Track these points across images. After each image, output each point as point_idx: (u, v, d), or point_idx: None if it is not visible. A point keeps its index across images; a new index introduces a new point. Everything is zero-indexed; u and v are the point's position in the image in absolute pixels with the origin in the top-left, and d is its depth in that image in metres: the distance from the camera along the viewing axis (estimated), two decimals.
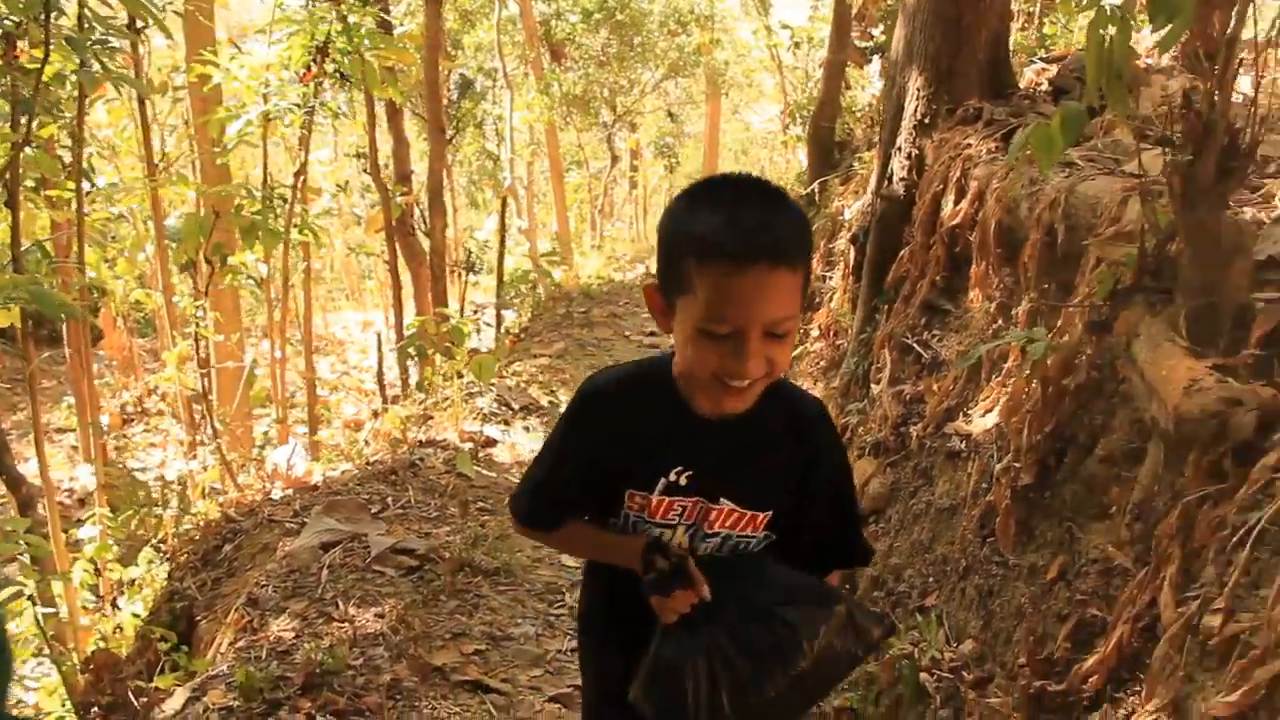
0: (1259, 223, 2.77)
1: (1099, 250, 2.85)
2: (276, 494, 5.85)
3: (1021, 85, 5.37)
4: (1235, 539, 2.07)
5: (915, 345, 4.25)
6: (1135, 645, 2.27)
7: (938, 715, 2.90)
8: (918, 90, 4.95)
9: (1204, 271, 2.32)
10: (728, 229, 1.54)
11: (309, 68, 7.53)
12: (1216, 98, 2.30)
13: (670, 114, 23.74)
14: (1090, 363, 2.72)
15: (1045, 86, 5.29)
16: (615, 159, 22.53)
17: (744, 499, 1.82)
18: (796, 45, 14.22)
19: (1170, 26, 2.44)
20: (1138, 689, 2.24)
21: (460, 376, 7.17)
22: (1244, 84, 6.31)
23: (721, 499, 1.81)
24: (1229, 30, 2.36)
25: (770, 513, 1.85)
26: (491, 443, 6.43)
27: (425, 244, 10.98)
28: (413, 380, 9.01)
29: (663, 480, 1.80)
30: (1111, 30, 2.64)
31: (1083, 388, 2.76)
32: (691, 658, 1.76)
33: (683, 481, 1.80)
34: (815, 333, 6.18)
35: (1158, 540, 2.26)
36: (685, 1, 19.81)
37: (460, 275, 13.82)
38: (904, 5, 5.40)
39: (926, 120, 4.88)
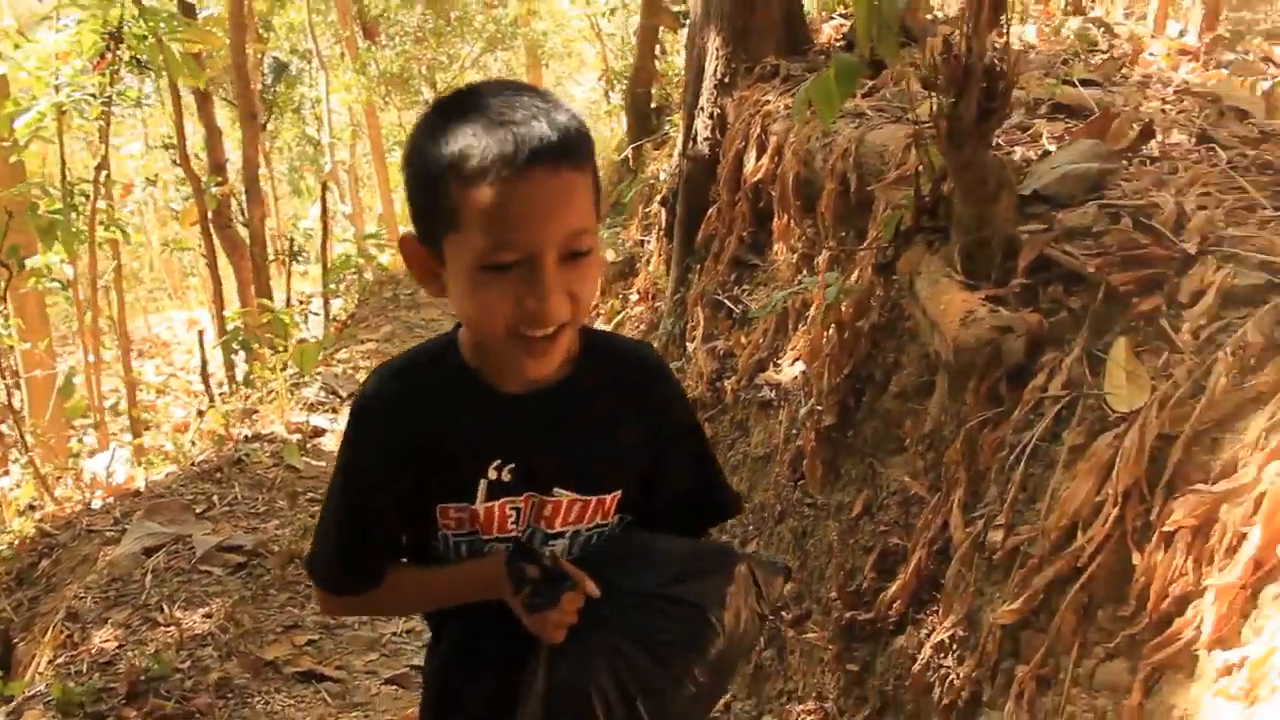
0: (1028, 160, 2.92)
1: (884, 195, 2.97)
2: (96, 504, 5.65)
3: (821, 41, 5.51)
4: (1012, 457, 2.19)
5: (726, 301, 4.35)
6: (932, 568, 2.40)
7: (763, 656, 3.01)
8: (716, 50, 5.04)
9: (974, 208, 2.44)
10: (494, 131, 1.25)
11: (103, 55, 7.22)
12: (974, 44, 2.40)
13: None
14: (881, 304, 2.84)
15: (841, 41, 5.44)
16: None
17: (584, 483, 1.50)
18: (612, 12, 14.27)
19: None
20: (936, 608, 2.36)
21: (286, 368, 7.04)
22: (1029, 32, 6.62)
23: (556, 489, 1.49)
24: None
25: (619, 492, 1.54)
26: (319, 432, 6.34)
27: (246, 235, 10.69)
28: (241, 376, 8.81)
29: (483, 482, 1.46)
30: None
31: (876, 328, 2.88)
32: (595, 674, 1.45)
33: (506, 477, 1.46)
34: (635, 297, 6.27)
35: (946, 466, 2.38)
36: None
37: (285, 265, 13.49)
38: None
39: (726, 80, 4.98)
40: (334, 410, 6.91)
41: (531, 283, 1.28)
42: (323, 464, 5.81)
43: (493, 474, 1.46)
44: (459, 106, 1.32)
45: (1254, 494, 1.86)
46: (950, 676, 2.27)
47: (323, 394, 7.15)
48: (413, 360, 1.53)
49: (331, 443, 6.24)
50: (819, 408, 3.00)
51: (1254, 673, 1.78)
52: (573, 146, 1.30)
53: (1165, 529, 1.95)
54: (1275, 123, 3.33)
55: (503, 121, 1.26)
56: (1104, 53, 5.56)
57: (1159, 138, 2.98)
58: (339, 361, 8.24)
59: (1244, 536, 1.86)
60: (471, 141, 1.26)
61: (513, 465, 1.46)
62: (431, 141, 1.30)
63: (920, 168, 2.67)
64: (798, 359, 3.49)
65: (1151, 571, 1.96)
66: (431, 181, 1.30)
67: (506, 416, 1.47)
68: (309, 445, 6.11)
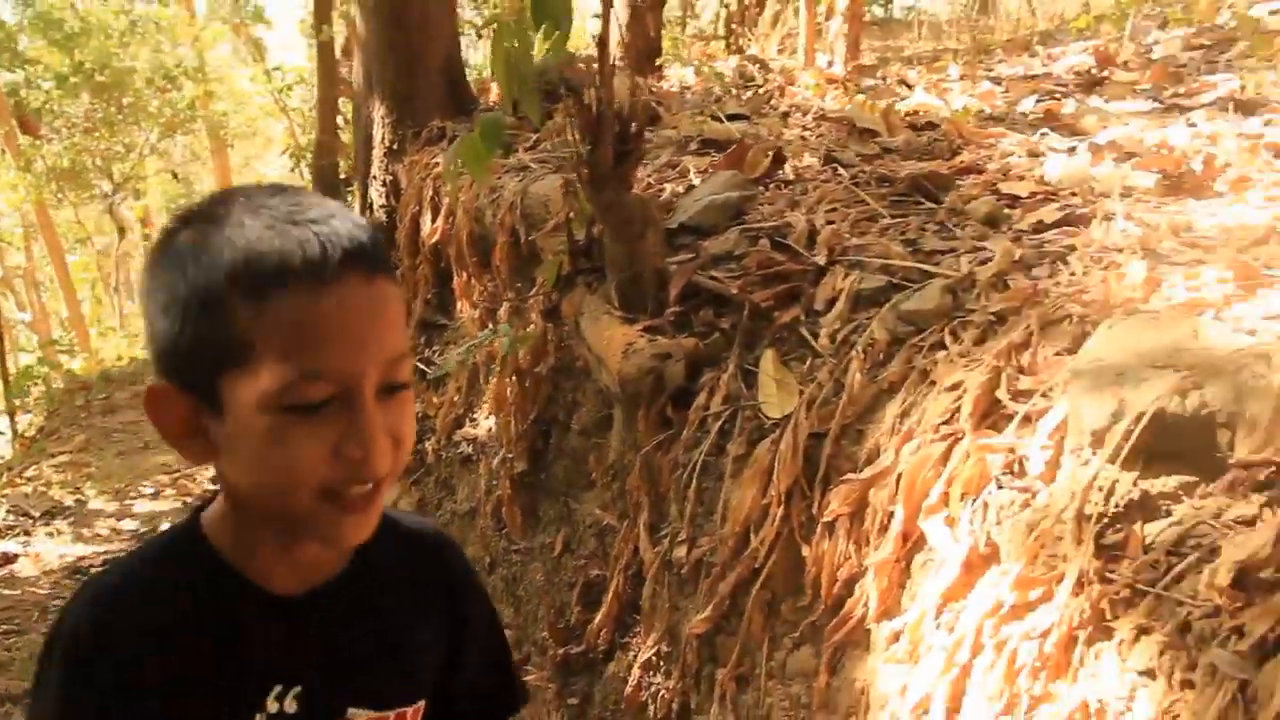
0: (677, 194, 3.10)
1: (546, 243, 3.08)
2: None
3: (491, 100, 5.64)
4: (686, 475, 2.32)
5: (419, 364, 4.37)
6: (630, 592, 2.50)
7: None
8: (382, 118, 5.10)
9: (623, 246, 2.58)
10: (289, 231, 0.96)
11: None
12: (602, 94, 2.54)
13: (174, 174, 22.67)
14: (554, 347, 2.95)
15: None
16: (123, 230, 21.16)
17: (384, 697, 1.19)
18: (289, 87, 14.06)
19: (557, 35, 2.69)
20: (639, 630, 2.46)
21: None
22: (688, 74, 6.96)
23: (351, 710, 1.17)
24: (600, 33, 2.62)
25: (422, 703, 1.25)
26: (11, 558, 5.91)
27: None
28: None
29: (259, 718, 1.11)
30: (515, 42, 2.87)
31: (554, 371, 2.99)
32: None
33: (290, 707, 1.12)
34: None
35: (630, 493, 2.50)
36: (171, 56, 18.90)
37: None
38: (358, 38, 5.54)
39: (395, 146, 5.04)
40: (26, 533, 6.44)
41: (351, 423, 0.98)
42: (18, 592, 5.42)
43: (273, 705, 1.11)
44: (226, 208, 1.00)
45: (894, 475, 2.06)
46: (660, 691, 2.37)
47: (11, 517, 6.66)
48: (143, 565, 1.14)
49: (26, 567, 5.82)
50: (510, 455, 3.08)
51: (913, 635, 1.96)
52: (382, 252, 1.03)
53: (826, 519, 2.11)
54: (895, 139, 3.67)
55: (297, 220, 0.97)
56: (759, 87, 5.94)
57: (792, 162, 3.23)
58: (28, 479, 7.69)
59: (891, 515, 2.04)
60: (262, 245, 0.95)
61: (299, 689, 1.12)
62: (195, 252, 0.98)
63: (572, 214, 2.79)
64: (490, 412, 3.56)
65: (820, 560, 2.12)
66: (202, 303, 0.97)
67: (284, 626, 1.11)
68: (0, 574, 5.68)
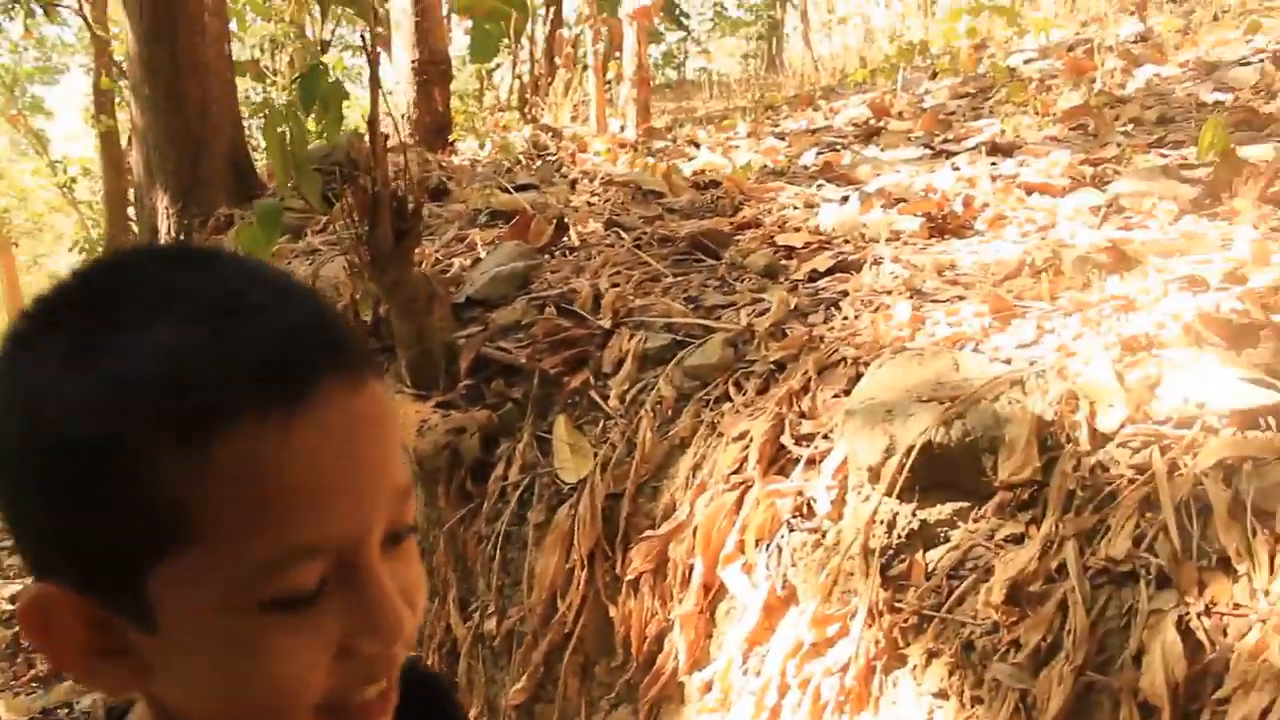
0: (465, 268, 3.11)
1: None
2: None
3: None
4: (489, 547, 2.32)
5: None
6: (446, 670, 2.47)
7: None
8: (166, 208, 4.97)
9: (411, 323, 2.57)
10: (224, 330, 0.59)
11: None
12: (376, 174, 2.54)
13: None
14: None
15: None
16: None
17: None
18: (73, 181, 13.57)
19: (329, 117, 2.69)
20: None
21: None
22: (486, 147, 6.97)
23: None
24: (370, 114, 2.63)
25: None
26: None
27: None
28: None
29: None
30: (288, 126, 2.85)
31: None
32: None
33: None
34: None
35: (437, 569, 2.47)
36: None
37: None
38: (135, 128, 5.41)
39: (181, 236, 4.91)
40: None
41: (360, 606, 0.64)
42: None
43: None
44: (113, 297, 0.62)
45: (691, 528, 2.10)
46: None
47: None
48: None
49: None
50: None
51: (723, 683, 2.00)
52: (361, 342, 0.74)
53: (629, 578, 2.14)
54: (679, 199, 3.77)
55: (237, 308, 0.61)
56: (551, 156, 6.01)
57: (576, 228, 3.28)
58: None
59: (692, 567, 2.08)
60: (191, 353, 0.59)
61: None
62: (76, 376, 0.59)
63: (358, 295, 2.78)
64: None
65: (628, 619, 2.15)
66: (105, 459, 0.59)
67: None
68: None
